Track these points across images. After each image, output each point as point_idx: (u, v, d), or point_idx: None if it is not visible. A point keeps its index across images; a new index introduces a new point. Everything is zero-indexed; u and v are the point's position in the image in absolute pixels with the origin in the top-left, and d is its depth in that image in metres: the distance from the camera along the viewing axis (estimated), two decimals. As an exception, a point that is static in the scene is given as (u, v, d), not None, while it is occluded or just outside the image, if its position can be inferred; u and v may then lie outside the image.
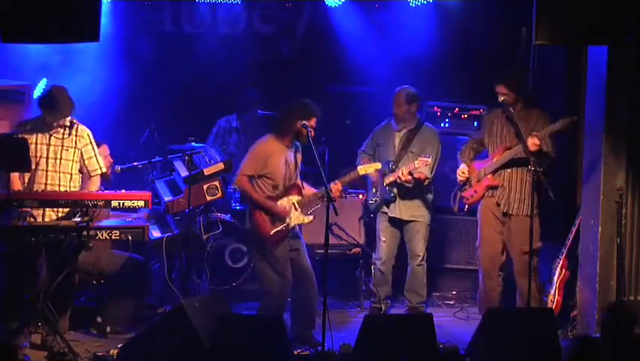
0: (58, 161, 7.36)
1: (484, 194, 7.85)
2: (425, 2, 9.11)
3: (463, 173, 7.92)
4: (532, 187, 7.33)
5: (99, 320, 7.59)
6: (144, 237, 7.13)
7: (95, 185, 7.48)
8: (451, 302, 8.87)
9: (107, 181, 7.91)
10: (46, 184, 7.31)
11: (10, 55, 8.50)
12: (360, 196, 8.76)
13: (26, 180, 7.31)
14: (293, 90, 8.45)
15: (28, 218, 6.99)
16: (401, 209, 8.24)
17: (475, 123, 8.60)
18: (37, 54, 8.61)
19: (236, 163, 8.09)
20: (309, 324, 7.49)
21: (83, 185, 7.48)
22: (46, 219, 7.22)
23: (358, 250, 8.73)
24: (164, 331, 6.55)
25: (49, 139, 7.34)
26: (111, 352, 6.88)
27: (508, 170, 7.75)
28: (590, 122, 7.51)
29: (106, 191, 7.25)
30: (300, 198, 7.53)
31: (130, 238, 7.07)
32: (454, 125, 9.21)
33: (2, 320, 7.05)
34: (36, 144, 7.29)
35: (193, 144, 8.58)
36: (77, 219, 6.96)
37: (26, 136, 7.24)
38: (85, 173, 7.48)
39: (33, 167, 7.22)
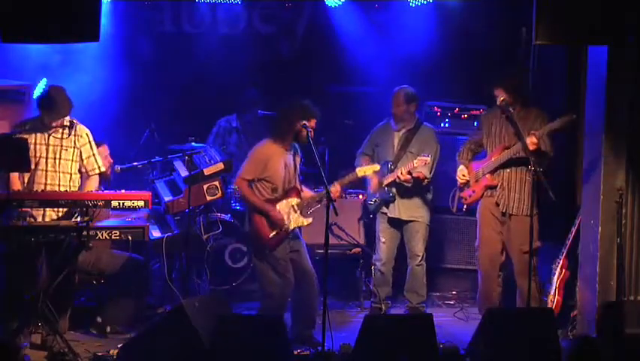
0: (57, 161, 7.36)
1: (483, 194, 7.85)
2: (425, 2, 9.11)
3: (463, 175, 7.92)
4: (532, 187, 7.33)
5: (99, 320, 7.59)
6: (144, 237, 7.13)
7: (93, 184, 7.48)
8: (451, 302, 8.87)
9: (106, 181, 7.91)
10: (45, 184, 7.32)
11: (10, 55, 8.50)
12: (360, 197, 8.75)
13: (26, 181, 7.31)
14: (293, 90, 8.46)
15: (28, 218, 6.99)
16: (400, 209, 8.24)
17: (475, 123, 8.59)
18: (37, 54, 8.61)
19: (236, 163, 8.10)
20: (310, 324, 7.49)
21: (81, 184, 7.47)
22: (47, 219, 7.22)
23: (358, 250, 8.73)
24: (164, 331, 6.55)
25: (48, 139, 7.34)
26: (111, 352, 6.88)
27: (507, 170, 7.75)
28: (590, 122, 7.51)
29: (106, 191, 7.25)
30: (299, 200, 7.53)
31: (130, 238, 7.08)
32: (454, 125, 9.21)
33: (2, 320, 7.05)
34: (35, 144, 7.29)
35: (193, 144, 8.58)
36: (77, 219, 6.96)
37: (25, 136, 7.23)
38: (83, 172, 7.48)
39: (32, 167, 7.22)
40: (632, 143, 7.31)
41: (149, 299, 8.14)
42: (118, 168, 8.13)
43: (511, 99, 7.65)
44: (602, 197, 7.29)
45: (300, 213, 7.53)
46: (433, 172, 8.15)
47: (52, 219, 7.22)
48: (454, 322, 8.28)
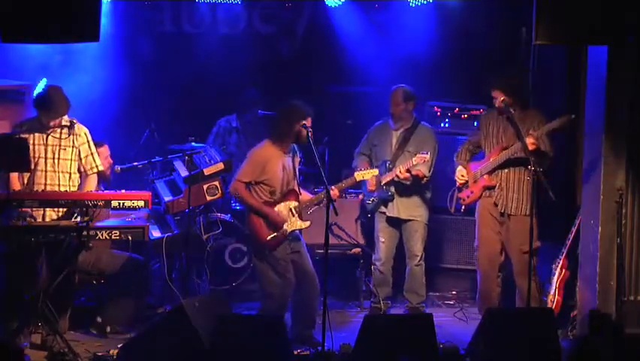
0: (56, 161, 7.35)
1: (481, 194, 7.85)
2: (425, 2, 9.11)
3: (462, 176, 7.92)
4: (532, 187, 7.33)
5: (99, 320, 7.59)
6: (144, 237, 7.13)
7: (92, 183, 7.47)
8: (451, 302, 8.87)
9: (106, 182, 7.91)
10: (45, 184, 7.31)
11: (10, 55, 8.50)
12: (360, 196, 8.75)
13: (25, 181, 7.30)
14: (293, 90, 8.46)
15: (28, 218, 6.99)
16: (399, 208, 8.25)
17: (475, 123, 8.59)
18: (37, 54, 8.61)
19: (236, 163, 8.10)
20: (310, 324, 7.49)
21: (81, 184, 7.47)
22: (47, 219, 7.22)
23: (358, 250, 8.73)
24: (164, 331, 6.55)
25: (47, 139, 7.32)
26: (111, 352, 6.88)
27: (505, 170, 7.75)
28: (590, 122, 7.51)
29: (106, 191, 7.25)
30: (297, 203, 7.53)
31: (130, 238, 7.08)
32: (454, 125, 9.21)
33: (2, 320, 7.05)
34: (34, 144, 7.28)
35: (193, 144, 8.58)
36: (77, 219, 6.96)
37: (24, 137, 7.23)
38: (82, 171, 7.47)
39: (32, 167, 7.21)
40: (632, 143, 7.31)
41: (149, 299, 8.14)
42: (118, 168, 8.13)
43: (510, 100, 7.65)
44: (602, 197, 7.29)
45: (299, 216, 7.52)
46: (431, 171, 8.15)
47: (52, 219, 7.22)
48: (454, 322, 8.28)
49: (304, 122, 7.39)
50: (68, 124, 7.31)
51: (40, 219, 7.16)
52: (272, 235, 7.43)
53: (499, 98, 7.68)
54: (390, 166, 8.19)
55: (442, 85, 9.38)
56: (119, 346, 6.82)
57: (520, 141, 7.47)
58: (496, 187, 7.78)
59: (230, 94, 9.51)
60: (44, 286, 6.94)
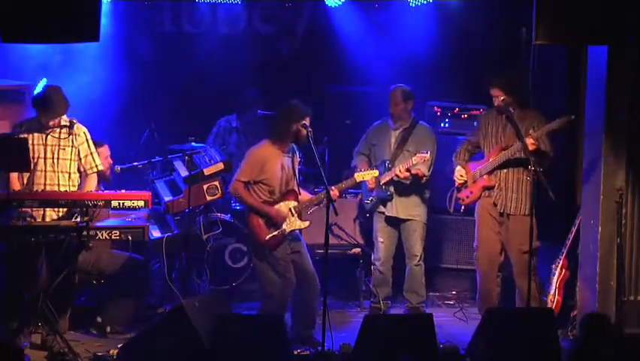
0: (55, 160, 7.34)
1: (481, 195, 7.85)
2: (425, 2, 9.12)
3: (461, 176, 7.92)
4: (531, 187, 7.33)
5: (99, 320, 7.59)
6: (144, 237, 7.13)
7: (92, 183, 7.46)
8: (451, 302, 8.86)
9: (106, 182, 7.91)
10: (44, 184, 7.30)
11: (10, 55, 8.51)
12: (359, 196, 8.75)
13: (25, 181, 7.29)
14: (293, 90, 8.46)
15: (28, 218, 6.99)
16: (398, 208, 8.25)
17: (475, 123, 8.58)
18: (37, 54, 8.62)
19: (236, 163, 8.09)
20: (310, 324, 7.49)
21: (81, 184, 7.46)
22: (47, 219, 7.22)
23: (358, 250, 8.73)
24: (164, 331, 6.55)
25: (46, 139, 7.31)
26: (111, 352, 6.88)
27: (504, 170, 7.75)
28: (590, 122, 7.51)
29: (106, 191, 7.24)
30: (296, 203, 7.53)
31: (130, 238, 7.07)
32: (454, 125, 9.21)
33: (2, 320, 7.05)
34: (33, 144, 7.26)
35: (193, 144, 8.58)
36: (77, 219, 6.96)
37: (23, 137, 7.22)
38: (82, 171, 7.47)
39: (31, 167, 7.21)
40: (632, 143, 7.31)
41: (149, 299, 8.13)
42: (118, 168, 8.13)
43: (509, 99, 7.65)
44: (602, 197, 7.29)
45: (298, 216, 7.52)
46: (431, 170, 8.15)
47: (53, 220, 7.21)
48: (454, 322, 8.28)
49: (303, 122, 7.39)
50: (68, 124, 7.30)
51: (40, 219, 7.16)
52: (271, 235, 7.44)
53: (499, 96, 7.67)
54: (390, 166, 8.19)
55: (442, 85, 9.38)
56: (119, 346, 6.82)
57: (520, 142, 7.46)
58: (495, 187, 7.78)
59: (230, 94, 9.51)
60: (44, 286, 6.94)
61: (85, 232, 6.82)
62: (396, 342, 6.33)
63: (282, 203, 7.49)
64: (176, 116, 9.54)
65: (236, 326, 6.46)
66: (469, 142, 8.04)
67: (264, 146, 7.54)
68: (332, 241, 7.85)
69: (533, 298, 7.39)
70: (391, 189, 8.21)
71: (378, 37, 9.61)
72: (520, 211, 7.68)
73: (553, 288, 7.81)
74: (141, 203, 6.92)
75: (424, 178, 8.14)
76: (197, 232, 8.42)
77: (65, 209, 7.23)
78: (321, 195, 7.47)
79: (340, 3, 9.34)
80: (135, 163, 8.25)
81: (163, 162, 8.44)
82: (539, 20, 6.79)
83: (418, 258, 8.28)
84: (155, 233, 8.18)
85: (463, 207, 7.97)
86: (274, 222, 7.45)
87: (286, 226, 7.47)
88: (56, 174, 7.35)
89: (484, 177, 7.82)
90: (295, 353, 6.86)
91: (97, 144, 7.63)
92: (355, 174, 7.84)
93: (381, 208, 8.31)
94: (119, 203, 6.89)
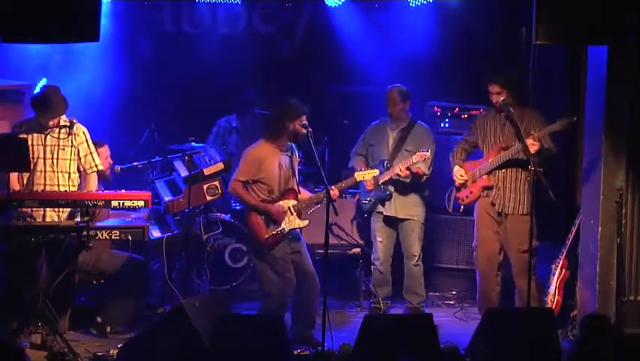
0: (55, 161, 7.34)
1: (480, 195, 7.85)
2: (425, 2, 9.11)
3: (461, 176, 7.91)
4: (530, 186, 7.34)
5: (99, 320, 7.59)
6: (144, 237, 7.13)
7: (92, 183, 7.46)
8: (451, 302, 8.86)
9: (106, 182, 7.91)
10: (44, 185, 7.30)
11: (10, 55, 8.51)
12: (357, 196, 8.74)
13: (25, 182, 7.29)
14: (293, 90, 8.45)
15: (28, 219, 6.99)
16: (397, 208, 8.25)
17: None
18: (37, 54, 8.62)
19: (235, 163, 8.08)
20: (310, 324, 7.49)
21: (81, 184, 7.46)
22: (47, 219, 7.22)
23: (358, 250, 8.73)
24: (164, 331, 6.55)
25: (45, 139, 7.31)
26: (111, 352, 6.88)
27: (503, 170, 7.75)
28: (590, 122, 7.51)
29: (106, 191, 7.24)
30: (295, 202, 7.52)
31: (130, 238, 7.07)
32: (454, 125, 9.21)
33: (2, 320, 7.05)
34: (32, 145, 7.26)
35: (193, 144, 8.58)
36: (77, 219, 6.96)
37: (23, 137, 7.22)
38: (82, 171, 7.47)
39: (31, 168, 7.21)
40: (632, 143, 7.31)
41: (149, 299, 8.13)
42: (118, 168, 8.14)
43: (506, 96, 7.64)
44: (602, 197, 7.29)
45: (298, 215, 7.52)
46: (431, 169, 8.15)
47: (53, 220, 7.21)
48: (454, 322, 8.27)
49: (300, 120, 7.39)
50: (67, 124, 7.30)
51: (40, 219, 7.16)
52: (270, 233, 7.43)
53: (497, 93, 7.66)
54: (388, 165, 8.19)
55: (442, 85, 9.38)
56: (119, 346, 6.82)
57: (520, 142, 7.46)
58: (494, 187, 7.78)
59: (230, 94, 9.51)
60: (44, 286, 6.94)
61: (85, 232, 6.82)
62: (396, 342, 6.33)
63: (281, 202, 7.49)
64: (176, 116, 9.54)
65: (236, 326, 6.46)
66: (466, 141, 8.04)
67: (261, 145, 7.54)
68: (332, 241, 7.85)
69: (533, 298, 7.39)
70: (390, 188, 8.21)
71: (378, 37, 9.61)
72: (519, 211, 7.68)
73: (553, 288, 7.81)
74: (141, 203, 6.92)
75: (425, 177, 8.13)
76: (197, 232, 8.42)
77: (67, 211, 7.24)
78: (321, 194, 7.47)
79: (340, 3, 9.34)
80: (135, 163, 8.26)
81: (163, 162, 8.44)
82: (539, 20, 6.79)
83: (416, 258, 8.28)
84: (155, 233, 8.18)
85: (462, 207, 7.97)
86: (274, 219, 7.45)
87: (285, 225, 7.46)
88: (56, 174, 7.35)
89: (484, 177, 7.82)
90: (295, 353, 6.86)
91: (97, 144, 7.62)
92: (355, 174, 7.84)
93: (380, 208, 8.31)
94: (119, 203, 6.89)
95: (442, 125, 9.25)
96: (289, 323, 7.41)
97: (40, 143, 7.31)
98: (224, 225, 8.67)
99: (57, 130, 7.31)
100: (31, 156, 7.18)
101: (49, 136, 7.32)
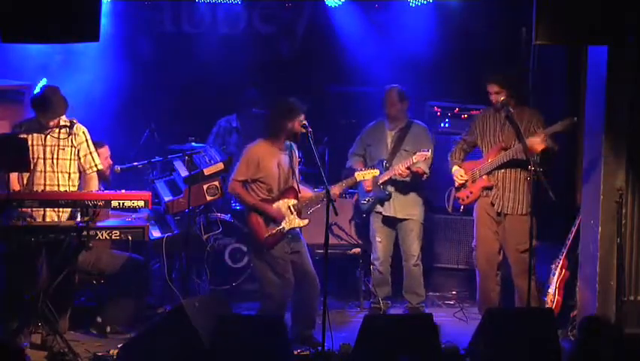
0: (55, 161, 7.34)
1: (480, 195, 7.85)
2: (425, 2, 9.12)
3: (461, 176, 7.91)
4: (529, 186, 7.34)
5: (99, 320, 7.59)
6: (144, 237, 7.12)
7: (93, 183, 7.45)
8: (451, 302, 8.87)
9: (106, 182, 7.91)
10: (44, 185, 7.30)
11: (10, 55, 8.51)
12: (355, 197, 8.73)
13: (25, 182, 7.29)
14: (293, 90, 8.45)
15: (28, 219, 6.99)
16: (396, 208, 8.24)
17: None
18: (37, 54, 8.62)
19: (236, 163, 8.09)
20: (310, 324, 7.49)
21: (82, 184, 7.46)
22: (47, 219, 7.22)
23: (358, 250, 8.73)
24: (164, 331, 6.54)
25: (45, 139, 7.31)
26: (111, 352, 6.88)
27: (502, 170, 7.75)
28: (590, 122, 7.51)
29: (106, 191, 7.24)
30: (295, 201, 7.52)
31: (130, 238, 7.07)
32: (454, 125, 9.21)
33: (2, 320, 7.05)
34: (32, 145, 7.26)
35: (193, 144, 8.58)
36: (78, 219, 6.96)
37: (23, 137, 7.22)
38: (82, 170, 7.46)
39: (31, 168, 7.21)
40: (632, 143, 7.31)
41: (149, 299, 8.13)
42: (118, 168, 8.14)
43: (504, 95, 7.63)
44: (602, 197, 7.29)
45: (297, 214, 7.52)
46: (430, 168, 8.14)
47: (53, 220, 7.21)
48: (454, 322, 8.27)
49: (298, 119, 7.38)
50: (67, 124, 7.30)
51: (40, 219, 7.16)
52: (270, 233, 7.43)
53: (496, 92, 7.65)
54: (387, 165, 8.19)
55: (442, 85, 9.38)
56: (119, 346, 6.82)
57: (521, 142, 7.46)
58: (494, 187, 7.78)
59: (230, 94, 9.51)
60: (44, 286, 6.94)
61: (85, 232, 6.82)
62: (396, 342, 6.33)
63: (280, 201, 7.49)
64: (176, 116, 9.54)
65: (236, 326, 6.46)
66: (465, 141, 8.04)
67: (259, 144, 7.54)
68: (332, 240, 7.85)
69: (533, 297, 7.39)
70: (389, 188, 8.21)
71: (378, 37, 9.61)
72: (518, 211, 7.69)
73: (553, 288, 7.81)
74: (141, 203, 6.92)
75: (425, 176, 8.13)
76: (197, 232, 8.42)
77: (67, 211, 7.24)
78: (321, 194, 7.47)
79: (340, 3, 9.34)
80: (135, 163, 8.25)
81: (163, 162, 8.44)
82: (539, 20, 6.79)
83: (415, 258, 8.28)
84: (155, 233, 8.18)
85: (462, 207, 7.97)
86: (272, 220, 7.44)
87: (285, 224, 7.46)
88: (56, 174, 7.35)
89: (484, 177, 7.81)
90: (295, 353, 6.86)
91: (97, 145, 7.62)
92: (356, 173, 7.82)
93: (379, 208, 8.30)
94: (119, 203, 6.89)
95: (442, 125, 9.25)
96: (289, 323, 7.41)
97: (40, 143, 7.31)
98: (224, 225, 8.67)
99: (57, 130, 7.31)
100: (31, 156, 7.19)
101: (49, 136, 7.32)
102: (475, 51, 9.40)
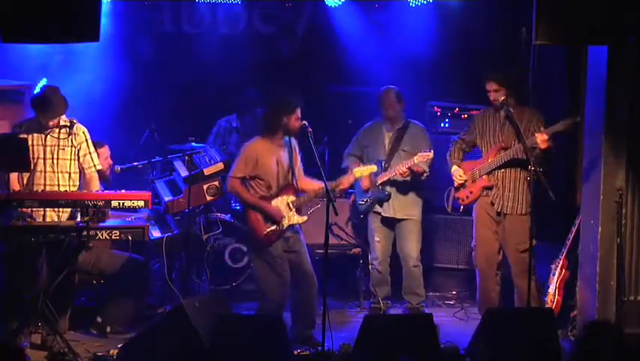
0: (55, 161, 7.34)
1: (480, 195, 7.85)
2: (425, 2, 9.12)
3: (460, 176, 7.91)
4: (529, 186, 7.34)
5: (99, 320, 7.59)
6: (144, 237, 7.12)
7: (94, 183, 7.45)
8: (451, 302, 8.87)
9: (106, 182, 7.91)
10: (44, 185, 7.30)
11: (10, 55, 8.51)
12: (352, 197, 8.72)
13: (25, 182, 7.28)
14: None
15: (28, 219, 6.99)
16: (395, 208, 8.24)
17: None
18: (37, 54, 8.62)
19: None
20: (310, 324, 7.49)
21: (82, 184, 7.45)
22: (47, 220, 7.22)
23: (358, 250, 8.73)
24: (164, 331, 6.55)
25: (45, 139, 7.31)
26: (111, 352, 6.88)
27: (502, 170, 7.75)
28: (590, 122, 7.51)
29: (106, 191, 7.24)
30: (294, 198, 7.52)
31: (130, 238, 7.07)
32: (454, 125, 9.20)
33: (2, 320, 7.05)
34: (32, 145, 7.26)
35: (193, 144, 8.58)
36: (78, 219, 6.96)
37: (23, 137, 7.22)
38: (81, 170, 7.46)
39: (31, 168, 7.21)
40: (632, 143, 7.31)
41: (149, 299, 8.13)
42: (118, 168, 8.14)
43: (503, 94, 7.63)
44: (602, 197, 7.29)
45: (296, 211, 7.51)
46: (430, 167, 8.14)
47: (53, 220, 7.21)
48: (454, 322, 8.27)
49: (295, 114, 7.38)
50: (67, 124, 7.30)
51: (40, 220, 7.16)
52: (268, 230, 7.43)
53: (495, 91, 7.65)
54: (386, 166, 8.19)
55: (442, 85, 9.38)
56: (119, 346, 6.82)
57: (520, 141, 7.46)
58: (494, 186, 7.77)
59: (230, 94, 9.51)
60: (44, 286, 6.94)
61: (85, 232, 6.82)
62: (396, 342, 6.33)
63: (279, 198, 7.48)
64: (176, 116, 9.54)
65: (236, 326, 6.46)
66: (464, 141, 8.03)
67: (256, 141, 7.54)
68: (332, 240, 7.84)
69: (533, 297, 7.39)
70: (388, 188, 8.20)
71: (378, 37, 9.61)
72: (517, 211, 7.68)
73: (553, 288, 7.81)
74: (141, 203, 6.92)
75: (425, 174, 8.13)
76: (197, 232, 8.42)
77: (67, 211, 7.24)
78: (331, 183, 7.42)
79: (340, 3, 9.34)
80: (135, 163, 8.25)
81: (163, 162, 8.44)
82: (539, 20, 6.79)
83: (415, 258, 8.27)
84: (155, 233, 8.18)
85: (462, 207, 7.97)
86: (271, 217, 7.44)
87: (284, 221, 7.46)
88: (56, 174, 7.35)
89: (484, 177, 7.81)
90: (295, 353, 6.86)
91: (97, 145, 7.63)
92: (354, 169, 7.74)
93: (378, 209, 8.29)
94: (119, 203, 6.89)
95: (442, 125, 9.25)
96: (289, 322, 7.41)
97: (40, 143, 7.31)
98: (224, 225, 8.67)
99: (57, 130, 7.31)
100: (31, 156, 7.18)
101: (49, 136, 7.32)
102: (475, 51, 9.40)
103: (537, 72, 8.87)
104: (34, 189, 7.21)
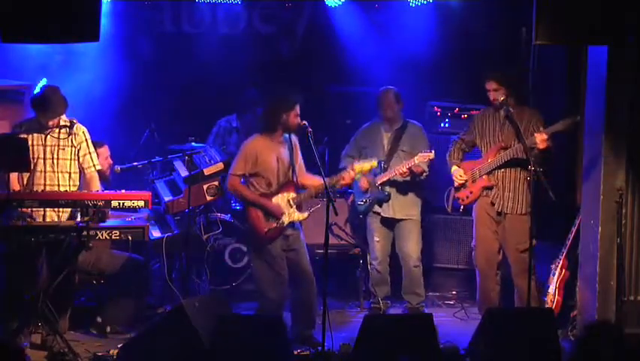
0: (55, 161, 7.34)
1: (480, 195, 7.85)
2: (425, 2, 9.12)
3: (460, 176, 7.91)
4: (529, 186, 7.34)
5: (99, 320, 7.59)
6: (144, 237, 7.12)
7: (94, 183, 7.45)
8: (451, 302, 8.86)
9: (106, 182, 7.91)
10: (44, 185, 7.30)
11: (10, 55, 8.51)
12: (352, 197, 8.73)
13: (25, 182, 7.28)
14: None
15: (28, 219, 6.98)
16: (395, 208, 8.24)
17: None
18: (37, 54, 8.62)
19: (234, 161, 8.09)
20: (309, 324, 7.49)
21: (82, 184, 7.45)
22: (47, 220, 7.21)
23: (358, 249, 8.73)
24: (164, 331, 6.55)
25: (45, 139, 7.31)
26: (111, 352, 6.89)
27: (502, 169, 7.75)
28: (590, 122, 7.51)
29: (106, 191, 7.24)
30: (295, 195, 7.51)
31: (130, 238, 7.06)
32: (454, 125, 9.20)
33: (2, 320, 7.05)
34: (32, 145, 7.26)
35: (193, 144, 8.58)
36: (78, 219, 6.96)
37: (23, 137, 7.22)
38: (81, 170, 7.46)
39: (31, 168, 7.21)
40: (632, 143, 7.31)
41: (149, 299, 8.14)
42: (118, 168, 8.14)
43: (502, 93, 7.63)
44: (602, 197, 7.29)
45: (297, 207, 7.51)
46: (429, 167, 8.14)
47: (53, 220, 7.21)
48: (454, 322, 8.28)
49: (294, 111, 7.37)
50: (67, 124, 7.30)
51: (40, 220, 7.16)
52: (269, 227, 7.42)
53: (495, 90, 7.65)
54: (385, 166, 8.19)
55: (442, 85, 9.38)
56: (119, 346, 6.82)
57: (520, 141, 7.46)
58: (494, 186, 7.77)
59: (230, 94, 9.50)
60: (44, 286, 6.94)
61: (85, 232, 6.82)
62: (396, 342, 6.33)
63: (279, 195, 7.48)
64: (176, 116, 9.54)
65: (236, 326, 6.46)
66: (463, 140, 8.03)
67: (256, 139, 7.54)
68: (332, 241, 7.84)
69: (533, 297, 7.39)
70: (387, 189, 8.20)
71: (378, 37, 9.61)
72: (517, 211, 7.68)
73: (553, 288, 7.81)
74: (141, 203, 6.92)
75: (425, 174, 8.13)
76: (197, 232, 8.42)
77: (67, 211, 7.24)
78: (333, 178, 7.41)
79: (340, 3, 9.34)
80: (135, 163, 8.25)
81: (163, 162, 8.44)
82: (539, 20, 6.79)
83: (415, 258, 8.26)
84: (155, 233, 8.18)
85: (462, 207, 7.97)
86: (272, 214, 7.43)
87: (285, 218, 7.45)
88: (56, 174, 7.35)
89: (484, 177, 7.81)
90: (295, 353, 6.87)
91: (97, 145, 7.63)
92: (355, 164, 7.71)
93: (377, 209, 8.29)
94: (119, 203, 6.89)
95: (442, 125, 9.25)
96: (289, 322, 7.41)
97: (40, 143, 7.31)
98: (224, 225, 8.67)
99: (57, 130, 7.31)
100: (31, 156, 7.19)
101: (49, 136, 7.32)
102: (475, 51, 9.40)
103: (537, 72, 8.87)
104: (34, 189, 7.21)
